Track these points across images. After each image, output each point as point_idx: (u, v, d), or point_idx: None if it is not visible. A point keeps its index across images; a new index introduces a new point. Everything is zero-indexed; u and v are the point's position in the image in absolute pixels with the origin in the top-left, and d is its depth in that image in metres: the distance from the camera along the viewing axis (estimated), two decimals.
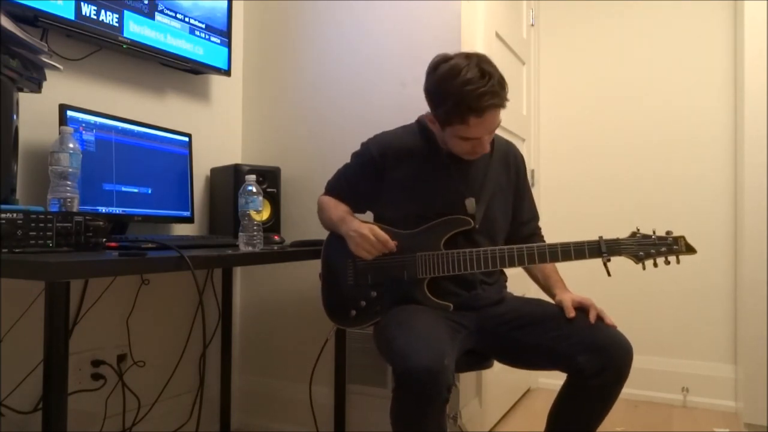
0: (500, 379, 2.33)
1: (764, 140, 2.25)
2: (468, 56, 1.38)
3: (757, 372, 2.25)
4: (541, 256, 1.42)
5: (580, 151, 2.91)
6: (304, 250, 1.71)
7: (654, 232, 1.39)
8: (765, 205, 2.24)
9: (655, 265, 1.38)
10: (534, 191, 2.92)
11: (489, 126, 1.39)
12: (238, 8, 2.34)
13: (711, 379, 2.62)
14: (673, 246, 1.37)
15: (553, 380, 1.46)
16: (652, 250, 1.37)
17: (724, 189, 2.63)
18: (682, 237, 1.38)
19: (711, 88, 2.67)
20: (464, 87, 1.32)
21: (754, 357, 2.26)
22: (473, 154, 1.47)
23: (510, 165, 1.62)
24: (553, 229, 1.77)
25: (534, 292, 1.70)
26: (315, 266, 1.68)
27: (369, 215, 1.67)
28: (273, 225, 2.04)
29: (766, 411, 2.22)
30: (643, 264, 1.38)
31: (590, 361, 1.32)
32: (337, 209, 1.61)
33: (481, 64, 1.35)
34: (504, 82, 1.38)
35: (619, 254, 1.39)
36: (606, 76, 2.87)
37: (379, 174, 1.56)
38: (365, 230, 1.46)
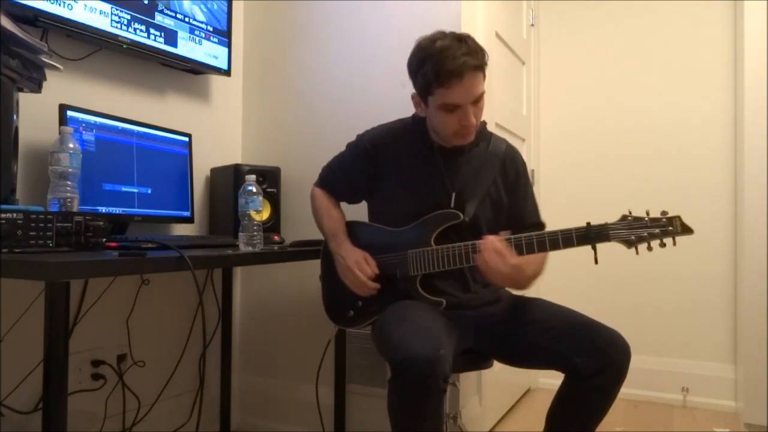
0: (500, 379, 2.33)
1: (764, 140, 2.25)
2: (445, 32, 1.41)
3: (757, 372, 2.25)
4: (529, 246, 1.37)
5: (580, 151, 2.91)
6: (304, 250, 1.71)
7: (648, 214, 1.31)
8: (765, 206, 2.24)
9: (650, 248, 1.29)
10: (534, 191, 2.93)
11: (470, 90, 1.37)
12: (238, 8, 2.34)
13: (711, 379, 2.62)
14: (668, 227, 1.28)
15: (553, 380, 1.45)
16: (645, 233, 1.29)
17: (724, 189, 2.63)
18: (678, 217, 1.28)
19: (711, 87, 2.66)
20: (442, 52, 1.35)
21: (754, 357, 2.26)
22: (461, 131, 1.43)
23: (508, 165, 1.58)
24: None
25: (533, 291, 1.69)
26: (315, 266, 1.69)
27: (363, 206, 1.68)
28: (273, 225, 2.04)
29: (766, 411, 2.22)
30: (636, 248, 1.29)
31: (588, 361, 1.31)
32: (330, 219, 1.62)
33: (456, 35, 1.39)
34: (481, 49, 1.39)
35: (608, 240, 1.31)
36: (606, 75, 2.87)
37: (372, 167, 1.56)
38: (352, 264, 1.49)
